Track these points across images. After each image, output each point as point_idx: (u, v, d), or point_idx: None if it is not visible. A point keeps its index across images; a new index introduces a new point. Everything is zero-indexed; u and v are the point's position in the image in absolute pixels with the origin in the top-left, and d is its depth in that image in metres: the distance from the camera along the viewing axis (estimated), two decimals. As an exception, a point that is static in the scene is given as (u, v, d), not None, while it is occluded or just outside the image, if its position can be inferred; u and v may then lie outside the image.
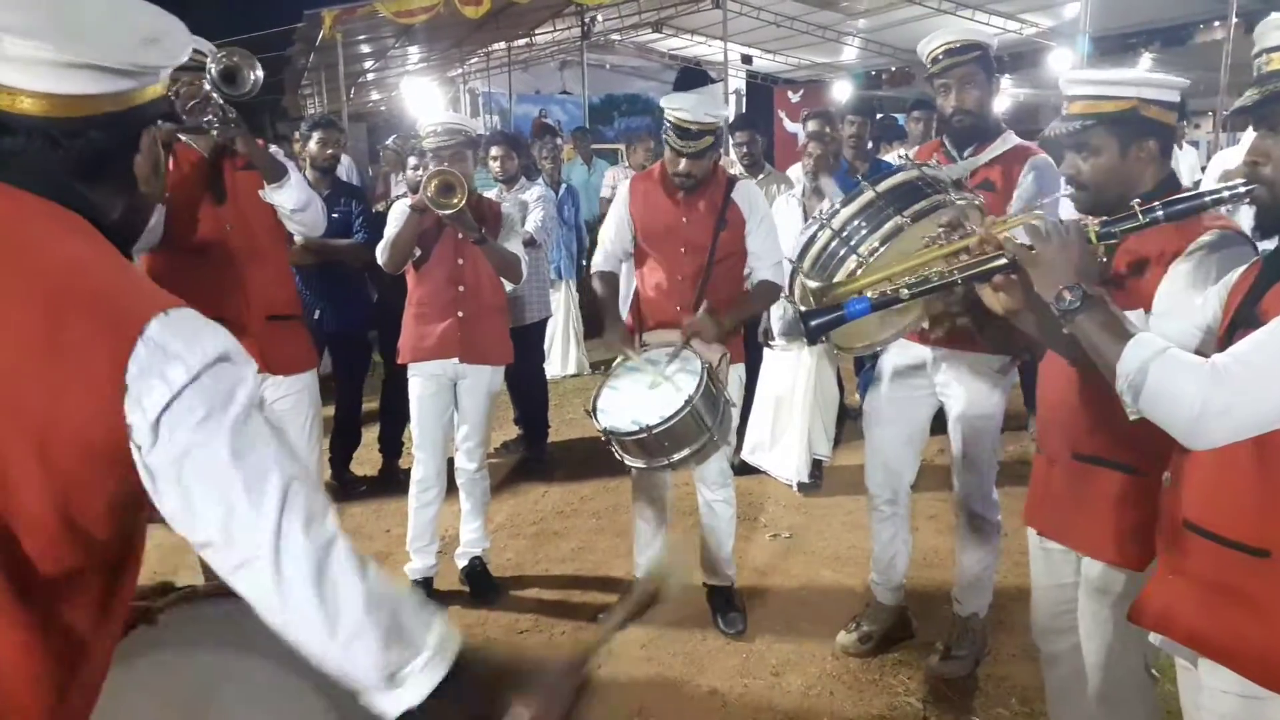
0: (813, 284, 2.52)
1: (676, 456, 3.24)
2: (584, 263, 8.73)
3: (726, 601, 3.88)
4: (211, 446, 1.16)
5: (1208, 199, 1.90)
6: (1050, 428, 2.38)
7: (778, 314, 5.19)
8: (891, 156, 6.46)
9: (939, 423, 3.50)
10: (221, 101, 3.09)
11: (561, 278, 7.38)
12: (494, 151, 5.69)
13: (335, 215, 5.11)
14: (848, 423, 5.85)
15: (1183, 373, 1.59)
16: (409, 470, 4.09)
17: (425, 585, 4.06)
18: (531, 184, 5.96)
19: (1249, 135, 1.83)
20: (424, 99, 16.15)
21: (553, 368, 7.43)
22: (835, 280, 2.54)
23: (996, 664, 3.52)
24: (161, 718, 1.54)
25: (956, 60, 3.20)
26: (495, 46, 16.48)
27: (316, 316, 5.05)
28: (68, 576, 1.18)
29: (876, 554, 3.68)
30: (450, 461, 4.11)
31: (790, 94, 18.25)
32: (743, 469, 5.43)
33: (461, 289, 3.90)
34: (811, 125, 5.48)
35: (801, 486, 5.25)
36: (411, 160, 5.81)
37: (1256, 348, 1.56)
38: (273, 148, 3.41)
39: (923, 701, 3.34)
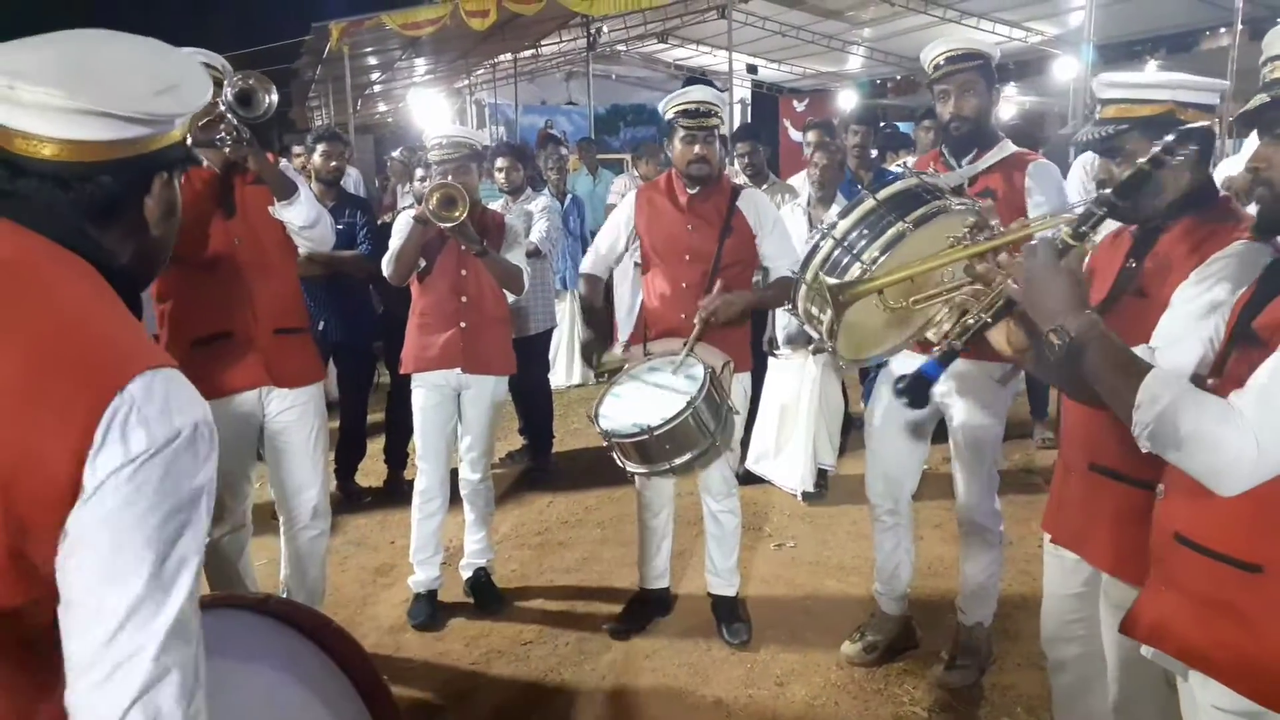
0: (831, 280, 2.49)
1: (678, 461, 3.21)
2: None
3: (731, 612, 3.88)
4: (129, 534, 1.14)
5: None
6: (1070, 437, 2.36)
7: (782, 324, 5.20)
8: (896, 165, 6.48)
9: (942, 432, 3.50)
10: (235, 120, 3.12)
11: (567, 288, 7.39)
12: (499, 163, 5.72)
13: (340, 227, 5.12)
14: (853, 432, 5.85)
15: (1211, 419, 1.54)
16: (414, 481, 4.10)
17: (429, 597, 4.06)
18: (537, 195, 5.98)
19: (1251, 141, 1.82)
20: (430, 110, 16.24)
21: (558, 378, 7.43)
22: (848, 280, 2.53)
23: (1002, 673, 3.51)
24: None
25: (957, 67, 3.22)
26: (501, 58, 16.58)
27: (321, 328, 5.07)
28: (19, 610, 1.18)
29: (880, 564, 3.67)
30: (454, 472, 4.12)
31: (795, 103, 18.30)
32: (747, 478, 5.43)
33: (464, 300, 3.91)
34: (811, 136, 5.50)
35: (806, 496, 5.24)
36: (419, 172, 5.84)
37: (1276, 384, 1.52)
38: (282, 162, 3.43)
39: (928, 711, 3.33)
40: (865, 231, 2.55)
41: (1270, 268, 1.75)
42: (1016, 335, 1.98)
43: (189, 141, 1.43)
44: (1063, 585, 2.50)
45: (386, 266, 3.88)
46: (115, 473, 1.13)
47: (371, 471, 5.70)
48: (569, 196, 7.43)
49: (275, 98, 3.20)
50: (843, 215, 2.62)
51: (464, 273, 3.90)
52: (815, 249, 2.70)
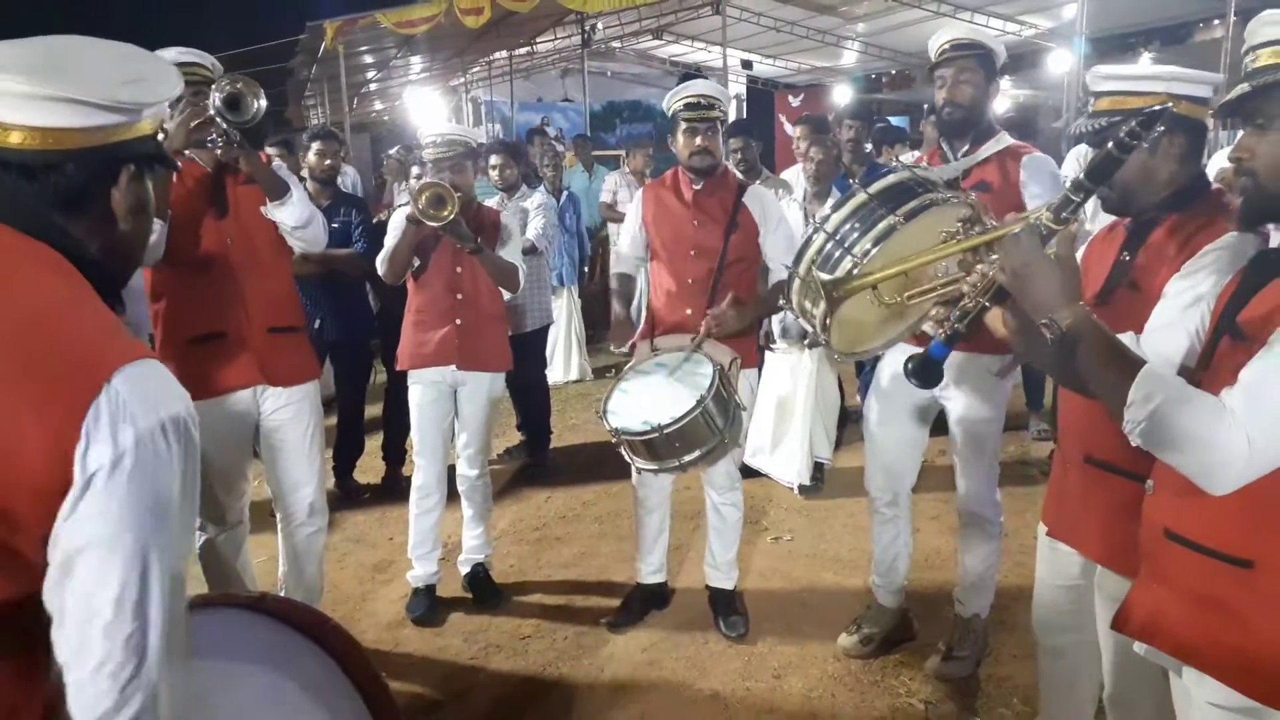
0: (824, 276, 2.51)
1: (687, 458, 3.23)
2: (585, 269, 8.77)
3: (729, 605, 3.89)
4: (119, 525, 1.17)
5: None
6: (1067, 430, 2.38)
7: (778, 318, 5.21)
8: (895, 160, 6.49)
9: (940, 424, 3.51)
10: (225, 124, 3.13)
11: (563, 284, 7.41)
12: (493, 160, 5.73)
13: (335, 225, 5.14)
14: (849, 425, 5.86)
15: (1203, 419, 1.53)
16: (412, 478, 4.10)
17: (428, 592, 4.07)
18: (532, 191, 5.99)
19: None
20: (426, 108, 16.21)
21: (555, 374, 7.45)
22: (840, 275, 2.55)
23: (998, 664, 3.52)
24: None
25: (957, 54, 3.25)
26: (497, 55, 16.55)
27: (318, 326, 5.08)
28: (11, 603, 1.19)
29: (877, 556, 3.69)
30: (452, 468, 4.13)
31: (791, 98, 18.30)
32: (744, 472, 5.41)
33: (459, 297, 3.92)
34: (800, 132, 5.53)
35: (803, 489, 5.26)
36: (415, 170, 5.85)
37: (1266, 383, 1.52)
38: (275, 161, 3.43)
39: (925, 702, 3.35)
40: (856, 225, 2.56)
41: (1254, 261, 1.75)
42: (1011, 319, 1.98)
43: (162, 139, 1.44)
44: (1056, 576, 2.52)
45: (381, 265, 3.89)
46: (104, 467, 1.15)
47: (369, 468, 5.71)
48: (565, 193, 7.44)
49: (264, 102, 3.19)
50: (835, 209, 2.64)
51: (459, 270, 3.91)
52: (808, 243, 2.71)
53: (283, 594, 3.49)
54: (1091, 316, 1.69)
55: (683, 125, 3.64)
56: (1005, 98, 14.62)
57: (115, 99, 1.29)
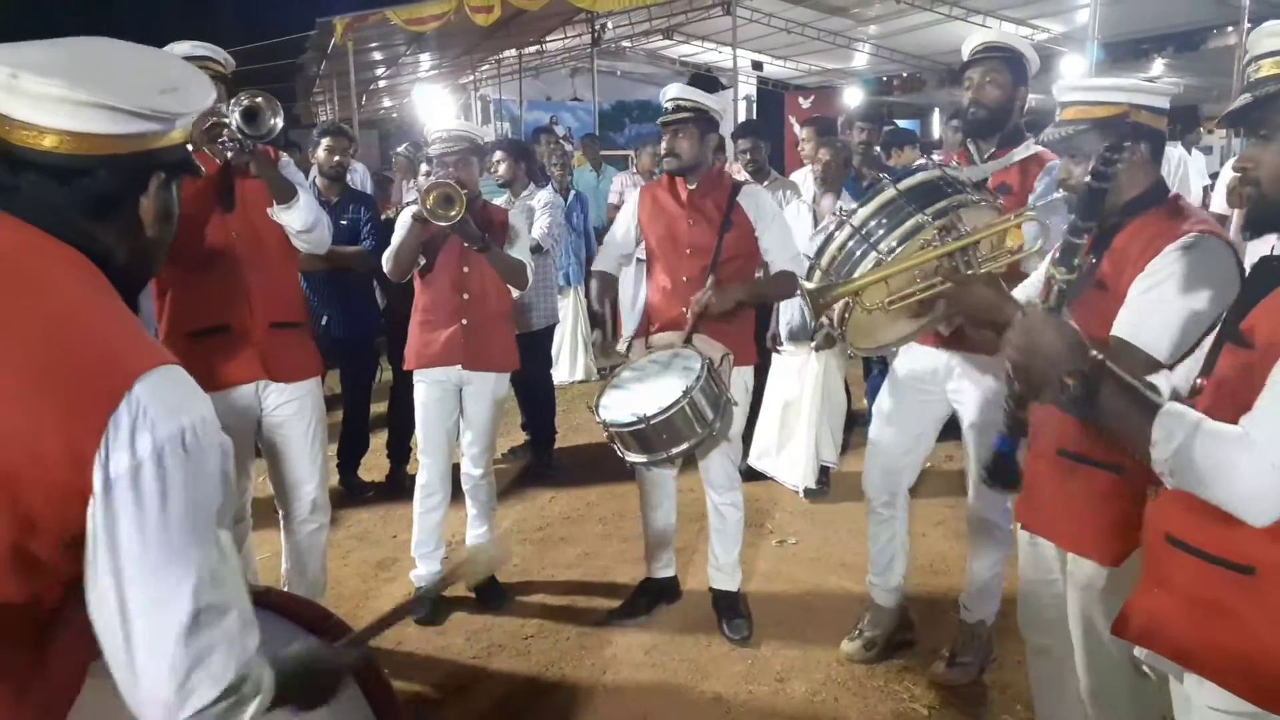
0: (811, 286, 2.55)
1: (675, 450, 3.30)
2: (592, 269, 8.74)
3: (732, 607, 3.88)
4: (144, 530, 1.18)
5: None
6: (1039, 425, 2.38)
7: (785, 319, 5.20)
8: (899, 163, 6.48)
9: (950, 428, 3.49)
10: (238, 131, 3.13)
11: (570, 284, 7.39)
12: (497, 156, 5.72)
13: (344, 222, 5.14)
14: (855, 429, 5.84)
15: (1225, 451, 1.52)
16: (416, 476, 4.10)
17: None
18: (539, 190, 5.97)
19: None
20: (435, 106, 16.22)
21: (560, 374, 7.44)
22: (825, 285, 2.57)
23: (1002, 670, 3.50)
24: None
25: (986, 55, 3.26)
26: (506, 53, 16.55)
27: (324, 323, 5.08)
28: (21, 603, 1.20)
29: (874, 556, 3.68)
30: (456, 467, 4.12)
31: (801, 100, 18.28)
32: (750, 475, 5.42)
33: (466, 296, 3.91)
34: (806, 134, 5.54)
35: (808, 493, 5.24)
36: (424, 167, 5.84)
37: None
38: (283, 158, 3.43)
39: (928, 708, 3.33)
40: (884, 221, 2.56)
41: (1256, 268, 1.75)
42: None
43: (189, 146, 1.44)
44: (1039, 572, 2.56)
45: (386, 262, 3.89)
46: (124, 474, 1.16)
47: (374, 466, 5.71)
48: (572, 192, 7.42)
49: (280, 120, 3.20)
50: (863, 204, 2.64)
51: (466, 269, 3.91)
52: (830, 237, 2.71)
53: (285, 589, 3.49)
54: (1105, 365, 1.68)
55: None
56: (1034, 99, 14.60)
57: (152, 107, 1.29)
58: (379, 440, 5.70)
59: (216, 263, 3.20)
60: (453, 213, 3.61)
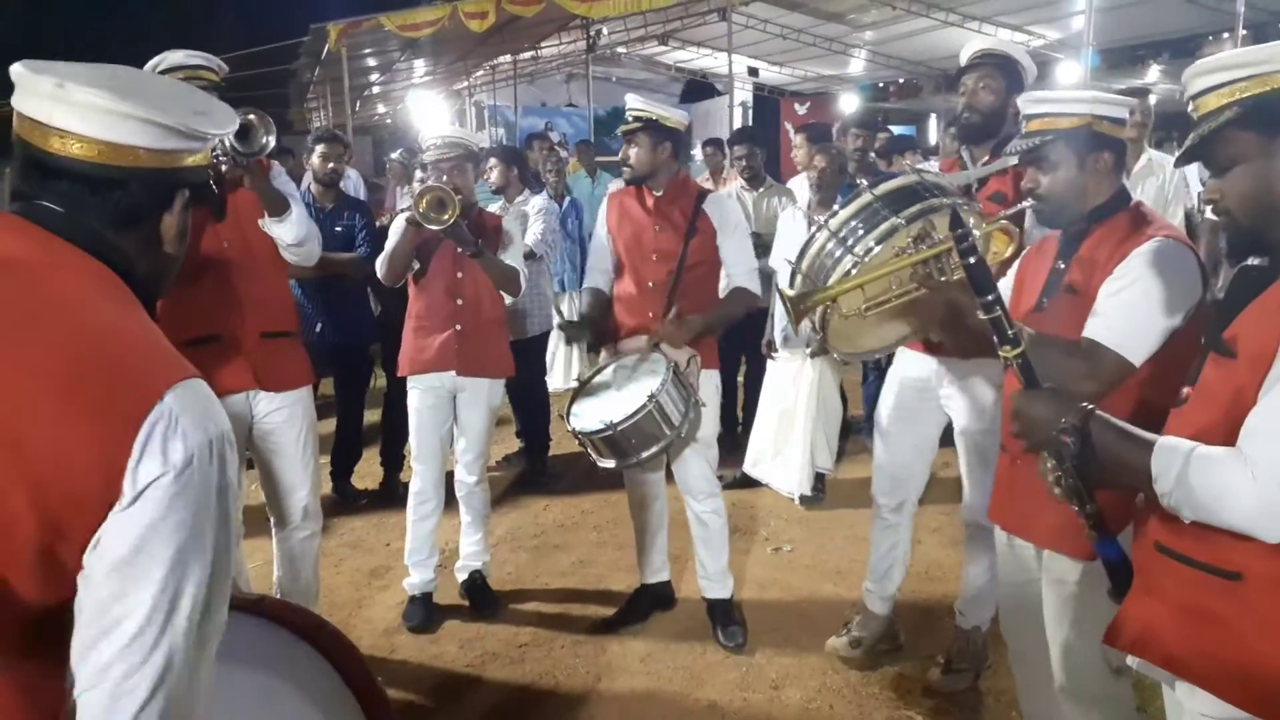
0: (790, 293, 2.59)
1: (645, 454, 3.37)
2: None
3: (726, 614, 3.86)
4: (164, 539, 1.18)
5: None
6: (1010, 425, 2.41)
7: (780, 325, 5.19)
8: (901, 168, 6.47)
9: (948, 434, 3.49)
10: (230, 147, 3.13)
11: (565, 290, 7.38)
12: (490, 163, 5.71)
13: (339, 229, 5.14)
14: (851, 436, 5.84)
15: (1223, 475, 1.54)
16: (410, 483, 4.08)
17: (424, 599, 4.04)
18: (533, 196, 5.96)
19: None
20: (430, 112, 16.23)
21: (555, 380, 7.41)
22: (811, 289, 2.60)
23: (997, 677, 3.49)
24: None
25: (981, 61, 3.32)
26: (501, 60, 16.61)
27: (319, 329, 5.06)
28: (44, 610, 1.20)
29: (873, 562, 3.67)
30: (450, 475, 4.11)
31: (797, 106, 18.32)
32: (745, 481, 5.43)
33: (460, 302, 3.90)
34: (799, 141, 5.54)
35: (803, 499, 5.22)
36: (418, 174, 5.83)
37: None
38: (275, 167, 3.43)
39: (923, 715, 3.32)
40: (860, 225, 2.62)
41: (1236, 278, 1.77)
42: None
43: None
44: (1018, 574, 2.58)
45: (380, 267, 3.88)
46: (155, 482, 1.18)
47: (367, 474, 5.69)
48: (567, 199, 7.42)
49: (273, 139, 3.22)
50: (841, 207, 2.69)
51: (460, 275, 3.90)
52: (811, 240, 2.76)
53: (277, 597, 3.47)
54: (1095, 414, 1.75)
55: None
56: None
57: (189, 125, 1.34)
58: (372, 448, 5.67)
59: (208, 272, 3.20)
60: (445, 217, 3.60)
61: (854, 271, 2.55)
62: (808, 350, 5.13)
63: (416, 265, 3.90)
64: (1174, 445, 1.62)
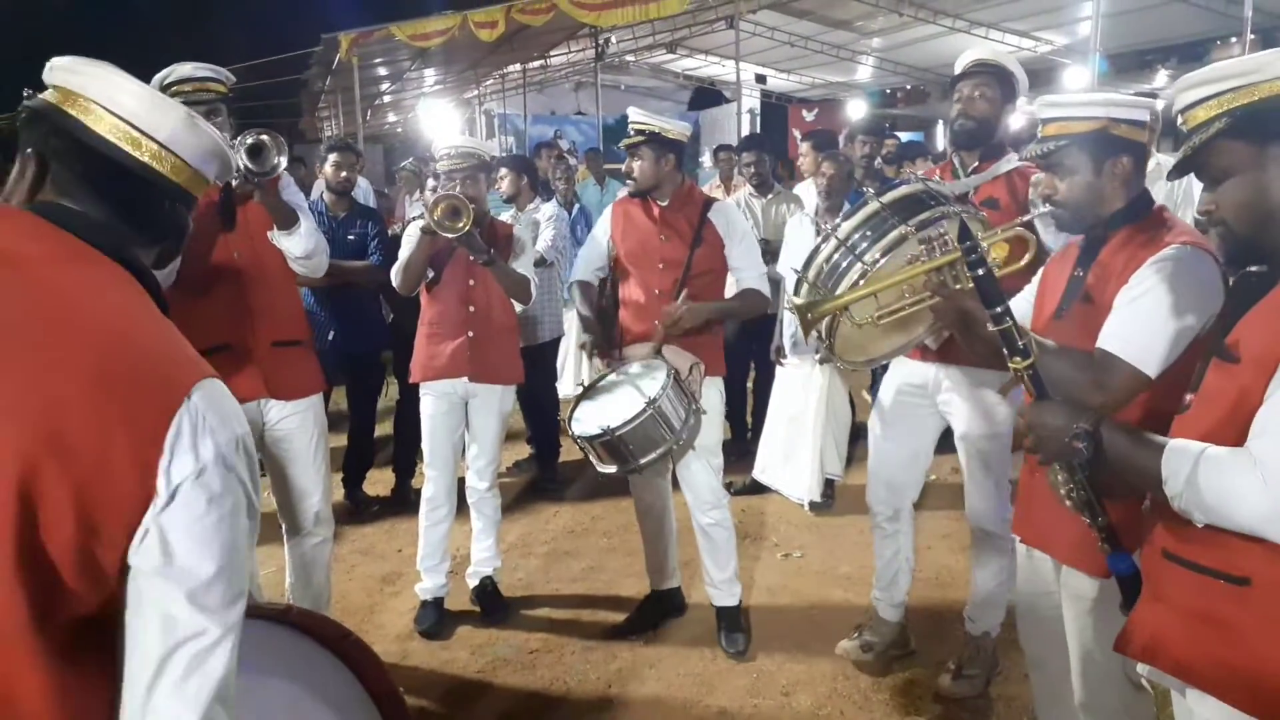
0: (799, 301, 2.59)
1: (644, 460, 3.35)
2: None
3: (731, 621, 3.86)
4: (203, 537, 1.21)
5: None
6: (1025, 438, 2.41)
7: (789, 332, 5.20)
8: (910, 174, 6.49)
9: (951, 440, 3.49)
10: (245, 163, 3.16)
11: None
12: (502, 172, 5.75)
13: (351, 237, 5.17)
14: (860, 442, 5.83)
15: (1232, 476, 1.54)
16: (421, 490, 4.10)
17: (436, 605, 4.06)
18: (543, 203, 5.99)
19: None
20: (440, 121, 16.30)
21: (565, 387, 7.42)
22: (822, 297, 2.60)
23: (1008, 683, 3.49)
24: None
25: (976, 70, 3.34)
26: (510, 68, 16.64)
27: (331, 337, 5.09)
28: (83, 619, 1.21)
29: (879, 571, 3.69)
30: (462, 481, 4.13)
31: (805, 113, 18.34)
32: (754, 488, 5.45)
33: (472, 309, 3.93)
34: (806, 148, 5.56)
35: (813, 505, 5.24)
36: (430, 183, 5.87)
37: None
38: (285, 178, 3.45)
39: (934, 722, 3.33)
40: (868, 233, 2.61)
41: (1237, 283, 1.78)
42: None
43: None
44: (1037, 584, 2.57)
45: (395, 276, 3.91)
46: (188, 479, 1.20)
47: (379, 480, 5.72)
48: (577, 206, 7.45)
49: (284, 159, 3.23)
50: (846, 217, 2.69)
51: (472, 282, 3.93)
52: (817, 250, 2.76)
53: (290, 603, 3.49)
54: (1106, 421, 1.77)
55: None
56: (1021, 114, 14.63)
57: (232, 158, 1.49)
58: (384, 455, 5.70)
59: (218, 282, 3.22)
60: (459, 225, 3.64)
61: (861, 281, 2.55)
62: (817, 357, 5.13)
63: (430, 273, 3.93)
64: (1184, 447, 1.62)
